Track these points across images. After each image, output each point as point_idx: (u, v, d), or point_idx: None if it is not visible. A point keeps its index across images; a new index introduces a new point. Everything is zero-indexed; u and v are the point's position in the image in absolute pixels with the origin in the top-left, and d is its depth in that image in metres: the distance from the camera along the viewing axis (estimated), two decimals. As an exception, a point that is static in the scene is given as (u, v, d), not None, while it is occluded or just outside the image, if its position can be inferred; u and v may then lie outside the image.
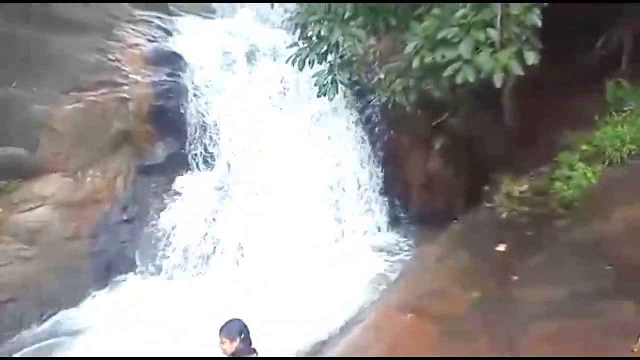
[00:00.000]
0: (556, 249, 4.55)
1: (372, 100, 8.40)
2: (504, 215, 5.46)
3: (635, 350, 3.53)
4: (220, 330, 3.59)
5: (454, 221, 6.14)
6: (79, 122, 6.89)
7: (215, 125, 7.80)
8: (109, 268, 6.68)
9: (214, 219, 7.09)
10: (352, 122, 8.41)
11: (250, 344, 3.63)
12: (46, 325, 5.93)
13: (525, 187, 5.63)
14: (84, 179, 6.88)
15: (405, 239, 7.71)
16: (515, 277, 4.42)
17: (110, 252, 6.77)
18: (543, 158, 5.80)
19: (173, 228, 6.93)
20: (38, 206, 6.48)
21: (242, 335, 3.58)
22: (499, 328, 3.85)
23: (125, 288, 6.47)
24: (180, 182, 7.46)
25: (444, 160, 7.87)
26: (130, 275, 6.70)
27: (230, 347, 3.53)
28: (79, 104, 6.94)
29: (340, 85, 6.19)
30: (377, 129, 8.38)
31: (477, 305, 4.27)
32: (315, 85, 6.18)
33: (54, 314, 6.03)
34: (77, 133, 6.88)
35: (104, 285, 6.50)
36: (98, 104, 7.06)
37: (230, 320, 3.63)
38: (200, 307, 5.77)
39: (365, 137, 8.35)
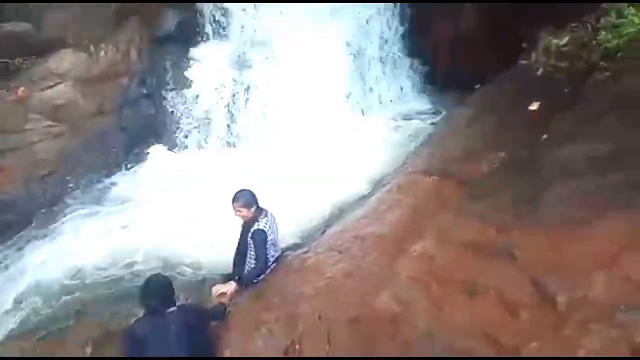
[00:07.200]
0: (594, 104, 4.22)
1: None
2: (539, 72, 5.06)
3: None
4: (235, 199, 3.70)
5: (480, 85, 5.77)
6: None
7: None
8: (136, 141, 6.78)
9: (234, 89, 6.88)
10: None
11: (261, 209, 3.76)
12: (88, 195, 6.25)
13: (565, 39, 5.09)
14: (97, 52, 6.68)
15: (434, 104, 7.40)
16: (545, 136, 4.20)
17: (135, 126, 6.81)
18: (589, 6, 5.11)
19: (194, 99, 6.83)
20: (57, 83, 6.44)
21: (256, 203, 3.72)
22: (522, 186, 3.76)
23: (153, 159, 6.60)
24: (196, 52, 7.14)
25: (478, 16, 7.11)
26: (157, 147, 6.74)
27: (248, 214, 3.67)
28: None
29: None
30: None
31: (502, 165, 4.16)
32: None
33: (90, 185, 6.34)
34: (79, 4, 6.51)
35: (133, 157, 6.67)
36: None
37: (242, 190, 3.71)
38: (225, 174, 5.91)
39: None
